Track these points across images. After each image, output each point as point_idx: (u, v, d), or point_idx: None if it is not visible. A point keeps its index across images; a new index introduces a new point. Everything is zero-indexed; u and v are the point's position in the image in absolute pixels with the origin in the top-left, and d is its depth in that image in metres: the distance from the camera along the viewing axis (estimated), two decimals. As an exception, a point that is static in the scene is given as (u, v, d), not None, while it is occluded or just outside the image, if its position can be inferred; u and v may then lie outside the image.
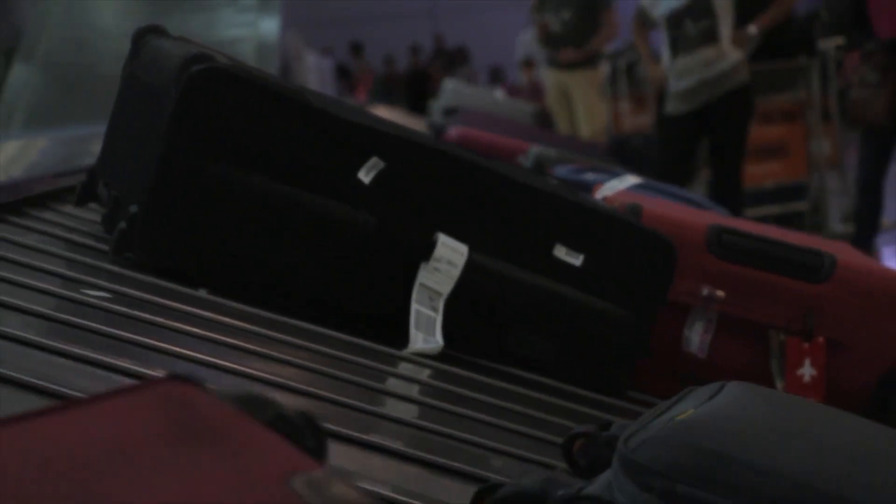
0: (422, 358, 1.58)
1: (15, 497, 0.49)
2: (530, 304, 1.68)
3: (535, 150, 3.32)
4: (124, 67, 1.79)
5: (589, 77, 6.37)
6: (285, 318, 1.53)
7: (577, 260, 1.70)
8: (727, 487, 0.82)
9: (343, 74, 14.23)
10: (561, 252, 1.69)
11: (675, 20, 4.56)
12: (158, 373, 1.15)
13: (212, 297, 1.52)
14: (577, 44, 6.19)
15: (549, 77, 6.59)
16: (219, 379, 1.22)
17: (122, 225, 1.54)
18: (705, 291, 1.83)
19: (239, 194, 1.55)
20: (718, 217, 2.06)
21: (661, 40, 4.73)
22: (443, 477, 1.18)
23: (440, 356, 1.59)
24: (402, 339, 1.59)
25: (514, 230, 1.68)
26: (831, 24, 6.37)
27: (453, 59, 14.54)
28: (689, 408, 0.90)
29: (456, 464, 1.20)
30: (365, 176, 1.60)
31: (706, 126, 4.61)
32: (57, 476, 0.52)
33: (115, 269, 1.53)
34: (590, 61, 6.31)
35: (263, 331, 1.45)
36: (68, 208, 1.89)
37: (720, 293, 1.83)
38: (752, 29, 4.61)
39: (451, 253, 1.63)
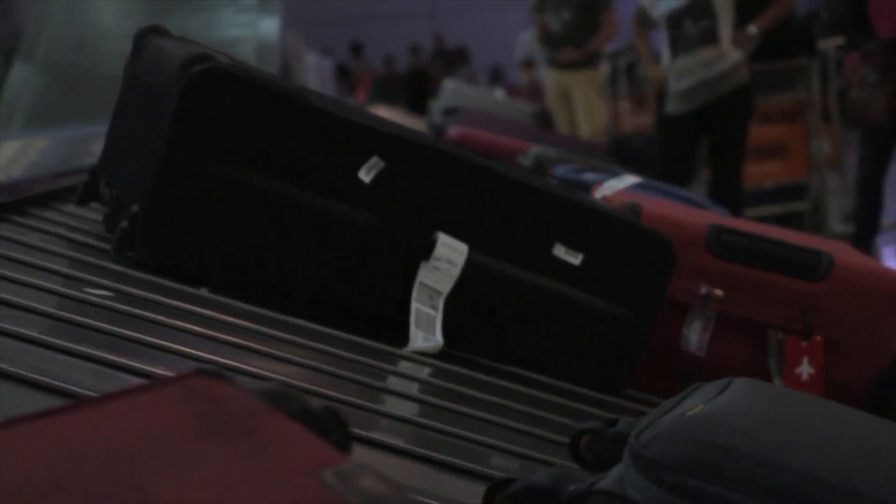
0: (422, 356, 1.58)
1: (57, 488, 0.50)
2: (530, 303, 1.69)
3: (535, 149, 3.33)
4: (126, 67, 1.80)
5: (589, 77, 6.37)
6: (286, 317, 1.54)
7: (576, 259, 1.70)
8: (738, 482, 0.83)
9: (343, 74, 14.24)
10: (560, 251, 1.70)
11: (675, 20, 4.56)
12: (161, 370, 1.16)
13: (213, 296, 1.53)
14: (577, 44, 6.20)
15: (549, 77, 6.59)
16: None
17: (124, 224, 1.55)
18: (704, 290, 1.84)
19: (240, 194, 1.56)
20: (717, 217, 2.07)
21: (661, 40, 4.74)
22: (443, 473, 1.19)
23: (440, 354, 1.60)
24: (402, 337, 1.60)
25: (513, 229, 1.69)
26: (831, 24, 6.38)
27: (453, 59, 14.54)
28: (698, 404, 0.91)
29: (456, 460, 1.21)
30: (365, 175, 1.61)
31: (706, 126, 4.61)
32: (95, 467, 0.53)
33: (117, 267, 1.54)
34: (590, 61, 6.32)
35: (264, 329, 1.46)
36: (70, 208, 1.90)
37: (719, 292, 1.84)
38: (752, 29, 4.62)
39: (450, 252, 1.64)
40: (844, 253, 1.94)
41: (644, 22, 4.94)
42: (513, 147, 3.45)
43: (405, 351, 1.58)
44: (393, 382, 1.49)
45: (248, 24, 6.50)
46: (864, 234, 4.59)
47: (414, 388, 1.50)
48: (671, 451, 0.85)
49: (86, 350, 1.16)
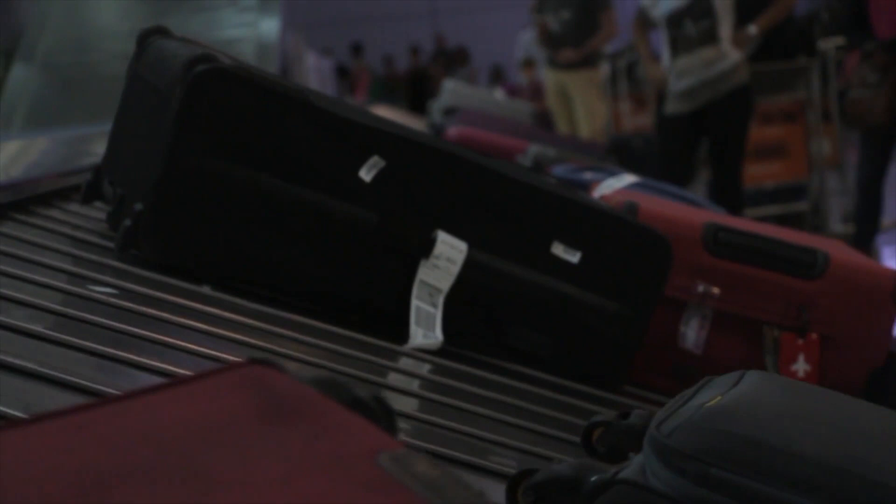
0: (422, 353, 1.60)
1: (130, 473, 0.52)
2: (528, 301, 1.70)
3: (534, 149, 3.35)
4: (129, 67, 1.82)
5: (588, 77, 6.37)
6: (288, 314, 1.55)
7: (574, 257, 1.72)
8: (759, 471, 0.85)
9: (343, 75, 14.25)
10: (559, 249, 1.72)
11: (675, 20, 4.56)
12: (164, 365, 1.18)
13: (215, 293, 1.54)
14: (577, 44, 6.20)
15: (548, 77, 6.60)
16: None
17: (128, 222, 1.57)
18: (701, 288, 1.85)
19: (242, 192, 1.58)
20: (714, 215, 2.09)
21: (661, 40, 4.75)
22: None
23: (440, 351, 1.61)
24: (402, 334, 1.61)
25: (512, 228, 1.70)
26: (831, 24, 6.39)
27: (453, 60, 14.55)
28: (715, 395, 0.92)
29: (456, 455, 1.22)
30: (366, 174, 1.62)
31: (706, 126, 4.62)
32: (163, 453, 0.54)
33: (121, 265, 1.56)
34: (589, 61, 6.32)
35: (266, 326, 1.47)
36: (74, 206, 1.92)
37: (715, 290, 1.85)
38: (752, 29, 4.62)
39: (450, 250, 1.65)
40: (840, 251, 1.95)
41: (644, 22, 4.94)
42: (512, 146, 3.47)
43: (405, 348, 1.60)
44: (393, 378, 1.51)
45: (248, 25, 6.50)
46: (864, 234, 4.60)
47: (414, 385, 1.52)
48: (693, 441, 0.87)
49: (91, 345, 1.18)
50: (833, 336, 1.85)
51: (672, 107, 4.67)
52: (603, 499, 0.89)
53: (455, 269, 1.65)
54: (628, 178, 2.38)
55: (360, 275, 1.64)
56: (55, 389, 1.04)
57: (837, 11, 6.28)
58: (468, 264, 1.66)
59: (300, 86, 1.75)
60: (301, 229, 1.61)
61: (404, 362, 1.57)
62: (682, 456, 0.87)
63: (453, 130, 3.86)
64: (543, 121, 6.58)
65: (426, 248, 1.64)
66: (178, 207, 1.56)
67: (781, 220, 5.40)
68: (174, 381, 0.62)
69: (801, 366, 1.83)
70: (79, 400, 1.02)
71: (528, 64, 10.30)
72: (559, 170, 2.70)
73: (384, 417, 0.66)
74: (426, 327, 1.62)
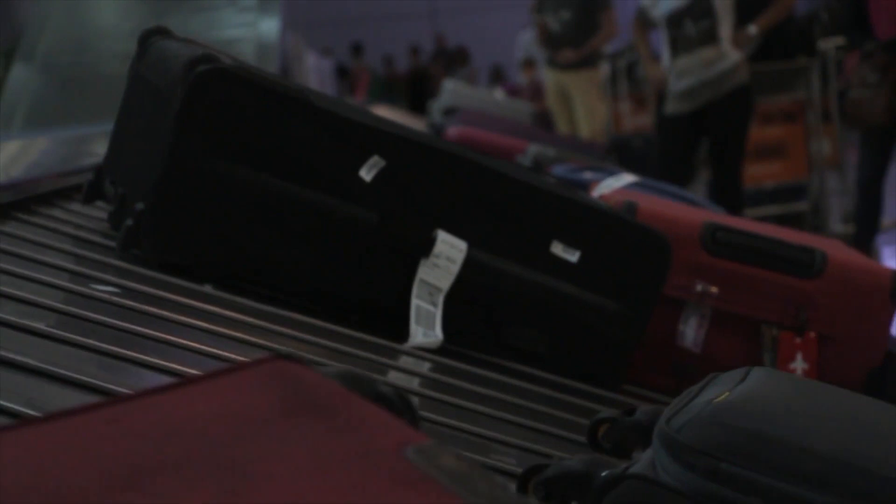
0: (422, 352, 1.61)
1: (164, 466, 0.53)
2: (528, 300, 1.71)
3: (534, 149, 3.36)
4: (131, 67, 1.83)
5: (588, 77, 6.38)
6: (288, 313, 1.56)
7: (573, 256, 1.73)
8: (768, 465, 0.86)
9: (343, 75, 14.26)
10: (558, 248, 1.73)
11: (675, 20, 4.57)
12: (166, 363, 1.19)
13: (216, 292, 1.55)
14: (577, 44, 6.21)
15: (548, 77, 6.61)
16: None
17: (129, 222, 1.57)
18: (699, 287, 1.86)
19: (243, 192, 1.58)
20: (712, 214, 2.10)
21: (661, 40, 4.75)
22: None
23: (440, 350, 1.62)
24: (402, 333, 1.62)
25: (511, 227, 1.71)
26: (831, 24, 6.39)
27: (453, 60, 14.56)
28: (722, 392, 0.93)
29: (456, 451, 1.23)
30: (366, 174, 1.63)
31: (706, 126, 4.62)
32: (195, 446, 0.55)
33: (123, 264, 1.57)
34: (589, 61, 6.33)
35: (267, 324, 1.48)
36: (76, 206, 1.93)
37: (714, 289, 1.86)
38: (752, 29, 4.63)
39: (450, 249, 1.66)
40: (838, 250, 1.96)
41: (644, 22, 4.95)
42: (512, 146, 3.47)
43: (406, 346, 1.60)
44: (393, 377, 1.52)
45: (248, 25, 6.51)
46: (864, 234, 4.60)
47: (414, 383, 1.53)
48: (703, 437, 0.88)
49: (94, 343, 1.19)
50: (831, 335, 1.86)
51: (672, 107, 4.67)
52: (614, 493, 0.90)
53: (455, 269, 1.66)
54: (627, 178, 2.39)
55: (360, 274, 1.65)
56: (58, 386, 1.04)
57: (837, 11, 6.28)
58: (468, 263, 1.67)
59: (301, 86, 1.76)
60: (302, 229, 1.62)
61: (404, 361, 1.58)
62: (691, 451, 0.88)
63: (453, 130, 3.87)
64: (543, 121, 6.59)
65: (426, 247, 1.65)
66: (179, 207, 1.57)
67: (781, 220, 5.40)
68: (202, 376, 0.63)
69: (799, 364, 1.84)
70: (83, 397, 1.03)
71: (528, 64, 10.31)
72: (559, 169, 2.71)
73: (406, 412, 0.67)
74: (426, 326, 1.63)
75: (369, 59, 15.04)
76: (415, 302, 1.63)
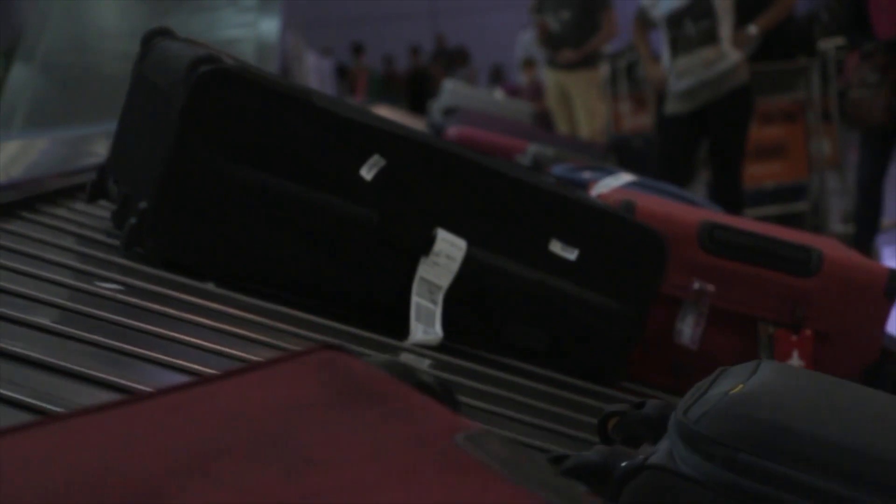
0: (422, 349, 1.62)
1: (225, 450, 0.54)
2: (527, 297, 1.73)
3: (533, 148, 3.37)
4: (134, 68, 1.84)
5: (588, 77, 6.39)
6: (290, 310, 1.58)
7: (572, 254, 1.75)
8: (785, 456, 0.88)
9: (343, 75, 14.27)
10: (556, 247, 1.74)
11: (675, 20, 4.58)
12: (170, 359, 1.21)
13: (219, 290, 1.57)
14: (576, 44, 6.22)
15: (548, 77, 6.62)
16: (230, 367, 1.27)
17: (133, 220, 1.59)
18: (696, 285, 1.88)
19: (245, 191, 1.60)
20: (710, 213, 2.11)
21: (661, 40, 4.76)
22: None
23: (439, 347, 1.64)
24: (403, 330, 1.64)
25: (511, 225, 1.73)
26: (831, 24, 6.40)
27: (453, 60, 14.57)
28: (736, 384, 0.95)
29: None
30: (367, 173, 1.65)
31: (706, 126, 4.62)
32: (255, 433, 0.57)
33: (127, 262, 1.59)
34: (589, 61, 6.34)
35: (269, 322, 1.50)
36: (79, 205, 1.94)
37: (711, 287, 1.88)
38: (753, 29, 4.63)
39: (450, 247, 1.68)
40: (833, 249, 1.98)
41: (644, 22, 4.95)
42: (511, 146, 3.49)
43: (406, 343, 1.62)
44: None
45: (248, 25, 6.51)
46: (864, 234, 4.61)
47: (414, 380, 1.54)
48: (721, 427, 0.89)
49: (99, 339, 1.21)
50: (827, 332, 1.88)
51: (672, 107, 4.68)
52: (633, 484, 0.91)
53: (454, 266, 1.67)
54: (625, 177, 2.41)
55: (361, 271, 1.67)
56: (64, 380, 1.06)
57: (837, 11, 6.29)
58: (467, 261, 1.68)
59: (302, 86, 1.77)
60: (303, 227, 1.63)
61: (405, 357, 1.59)
62: (709, 441, 0.89)
63: (453, 130, 3.88)
64: (543, 121, 6.60)
65: (426, 245, 1.67)
66: (181, 206, 1.59)
67: (781, 221, 5.40)
68: (253, 365, 0.64)
69: (795, 362, 1.86)
70: (89, 391, 1.05)
71: (528, 64, 10.32)
72: (558, 169, 2.72)
73: (448, 400, 0.68)
74: (426, 323, 1.64)
75: (369, 59, 15.05)
76: (415, 299, 1.65)
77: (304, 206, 1.63)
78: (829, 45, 6.30)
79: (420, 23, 16.67)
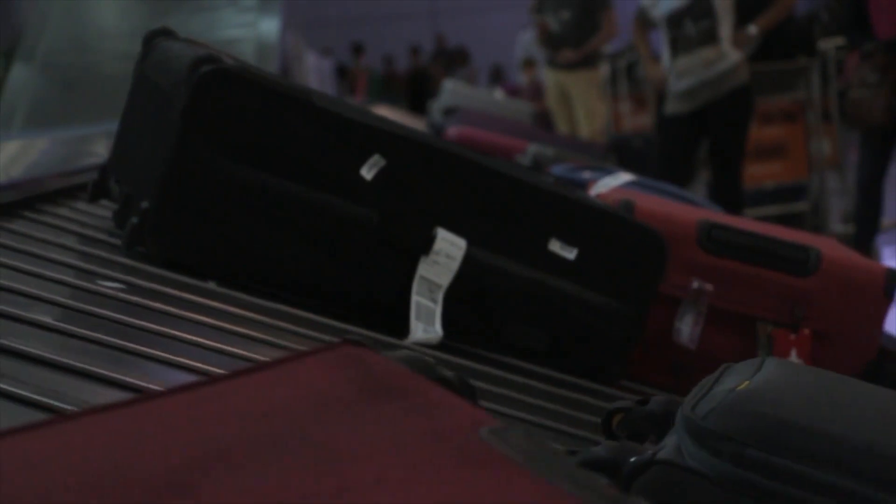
0: (422, 347, 1.63)
1: (252, 444, 0.55)
2: (526, 296, 1.74)
3: (533, 148, 3.38)
4: (135, 68, 1.85)
5: (588, 77, 6.40)
6: (290, 308, 1.58)
7: (571, 254, 1.75)
8: (793, 451, 0.88)
9: (343, 75, 14.28)
10: (556, 246, 1.75)
11: (675, 20, 4.58)
12: (172, 356, 1.21)
13: (220, 289, 1.58)
14: (576, 44, 6.23)
15: (548, 77, 6.62)
16: (231, 365, 1.28)
17: (134, 220, 1.60)
18: (695, 285, 1.89)
19: (246, 190, 1.61)
20: (708, 213, 2.12)
21: (661, 40, 4.77)
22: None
23: (439, 346, 1.64)
24: (403, 329, 1.64)
25: (510, 225, 1.74)
26: (831, 24, 6.41)
27: (453, 60, 14.58)
28: (742, 380, 0.96)
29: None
30: (367, 173, 1.66)
31: (706, 126, 4.63)
32: (280, 425, 0.57)
33: (128, 262, 1.59)
34: (589, 62, 6.35)
35: (269, 320, 1.51)
36: (81, 205, 1.95)
37: (709, 286, 1.89)
38: (753, 29, 4.63)
39: (449, 246, 1.69)
40: (832, 248, 1.99)
41: (644, 22, 4.96)
42: (511, 146, 3.50)
43: (406, 342, 1.63)
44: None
45: (248, 25, 6.52)
46: (864, 234, 4.61)
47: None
48: (728, 423, 0.90)
49: (101, 337, 1.22)
50: (825, 331, 1.89)
51: (672, 107, 4.69)
52: (642, 479, 0.92)
53: (454, 266, 1.68)
54: (625, 177, 2.41)
55: (361, 271, 1.67)
56: (67, 377, 1.07)
57: (837, 11, 6.30)
58: (467, 261, 1.69)
59: (302, 86, 1.78)
60: (303, 227, 1.64)
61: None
62: (718, 437, 0.90)
63: (453, 130, 3.89)
64: (543, 121, 6.61)
65: (426, 244, 1.67)
66: (183, 205, 1.60)
67: (781, 221, 5.41)
68: (275, 361, 0.65)
69: (793, 360, 1.87)
70: (94, 388, 1.06)
71: (528, 64, 10.33)
72: (557, 169, 2.73)
73: (468, 394, 0.69)
74: (426, 322, 1.65)
75: (369, 59, 15.06)
76: (415, 298, 1.66)
77: (304, 206, 1.63)
78: (829, 45, 6.30)
79: (420, 23, 16.68)
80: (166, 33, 1.85)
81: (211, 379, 0.62)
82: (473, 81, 12.83)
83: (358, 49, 14.69)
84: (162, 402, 0.60)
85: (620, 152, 6.24)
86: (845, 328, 1.88)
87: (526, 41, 10.06)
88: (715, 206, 2.72)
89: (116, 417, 0.58)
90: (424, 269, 1.67)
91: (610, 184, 2.30)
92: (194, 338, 1.33)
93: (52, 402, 0.98)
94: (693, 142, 4.75)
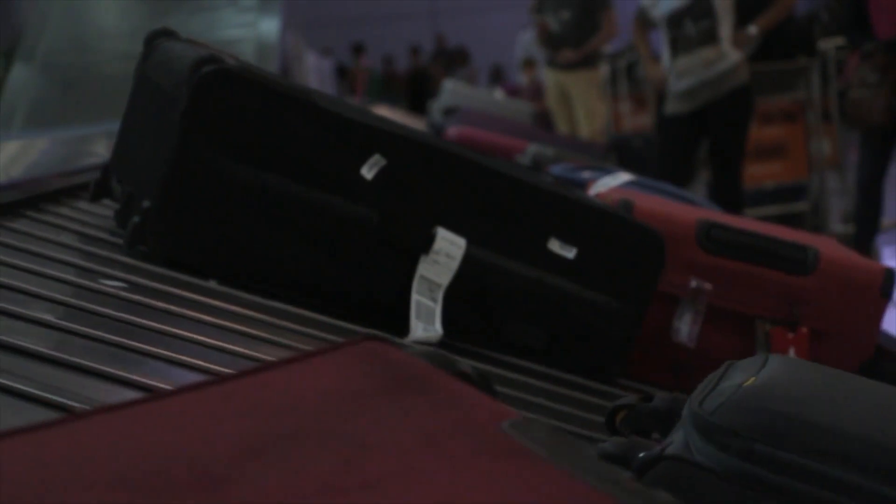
0: (422, 346, 1.64)
1: (281, 437, 0.56)
2: (525, 295, 1.74)
3: (533, 148, 3.39)
4: (136, 68, 1.86)
5: (588, 77, 6.41)
6: (291, 308, 1.59)
7: (570, 253, 1.76)
8: (800, 446, 0.89)
9: (343, 75, 14.29)
10: (555, 245, 1.76)
11: (675, 20, 4.59)
12: (173, 354, 1.22)
13: (221, 288, 1.59)
14: (577, 44, 6.24)
15: (548, 77, 6.63)
16: (232, 363, 1.29)
17: (136, 219, 1.61)
18: (694, 283, 1.89)
19: (247, 190, 1.62)
20: (707, 212, 2.13)
21: (661, 40, 4.77)
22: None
23: (439, 345, 1.65)
24: (403, 328, 1.65)
25: (510, 224, 1.74)
26: (831, 24, 6.41)
27: (453, 60, 14.58)
28: (748, 377, 0.96)
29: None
30: (367, 172, 1.66)
31: (706, 126, 4.63)
32: (307, 419, 0.58)
33: (130, 260, 1.60)
34: (589, 62, 6.35)
35: (270, 319, 1.51)
36: (82, 204, 1.96)
37: (708, 285, 1.89)
38: (753, 29, 4.64)
39: (449, 246, 1.69)
40: (830, 247, 1.99)
41: (644, 22, 4.96)
42: (511, 146, 3.50)
43: (406, 341, 1.63)
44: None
45: (248, 25, 6.52)
46: (864, 234, 4.62)
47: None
48: (737, 419, 0.91)
49: (103, 335, 1.22)
50: (823, 330, 1.89)
51: (672, 107, 4.69)
52: (651, 474, 0.93)
53: (454, 265, 1.69)
54: (624, 177, 2.42)
55: (361, 270, 1.68)
56: (69, 373, 1.08)
57: (837, 11, 6.30)
58: (467, 260, 1.70)
59: (303, 86, 1.79)
60: (304, 226, 1.65)
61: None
62: (726, 432, 0.91)
63: (453, 130, 3.90)
64: (543, 121, 6.62)
65: (426, 244, 1.68)
66: (184, 205, 1.60)
67: (781, 221, 5.41)
68: (299, 355, 0.65)
69: (792, 359, 1.87)
70: (97, 385, 1.07)
71: (528, 64, 10.33)
72: (557, 169, 2.74)
73: (487, 389, 0.70)
74: (426, 321, 1.66)
75: (369, 59, 15.06)
76: (415, 297, 1.67)
77: (304, 206, 1.64)
78: (829, 45, 6.31)
79: (420, 23, 16.68)
80: (167, 34, 1.86)
81: (235, 374, 0.63)
82: (473, 81, 12.83)
83: (358, 49, 14.69)
84: (186, 399, 0.60)
85: (620, 152, 6.25)
86: (843, 327, 1.89)
87: (526, 41, 10.06)
88: (715, 206, 2.73)
89: (135, 415, 0.58)
90: (424, 268, 1.68)
91: (609, 183, 2.30)
92: (195, 336, 1.34)
93: (55, 398, 0.99)
94: (693, 142, 4.75)
